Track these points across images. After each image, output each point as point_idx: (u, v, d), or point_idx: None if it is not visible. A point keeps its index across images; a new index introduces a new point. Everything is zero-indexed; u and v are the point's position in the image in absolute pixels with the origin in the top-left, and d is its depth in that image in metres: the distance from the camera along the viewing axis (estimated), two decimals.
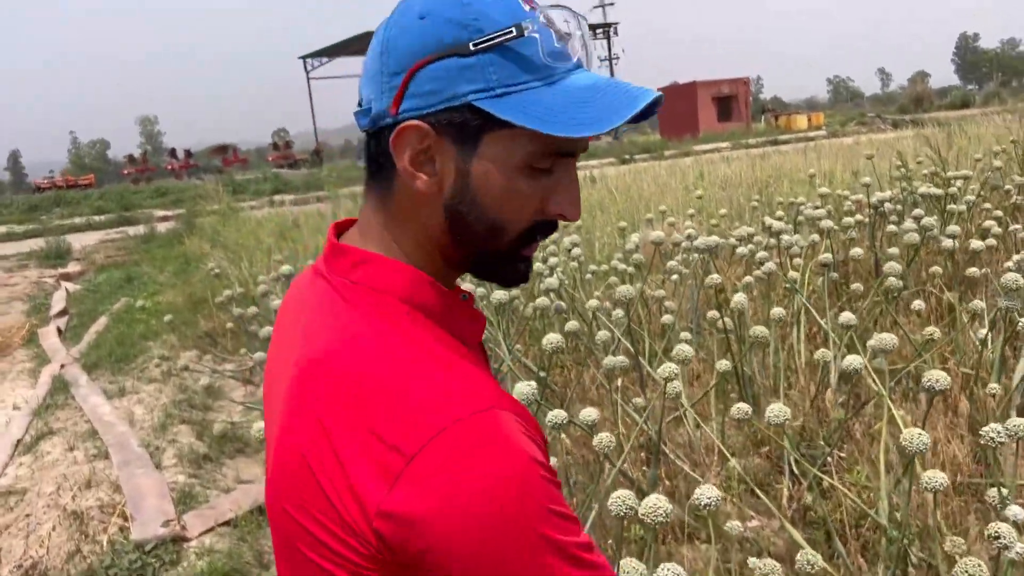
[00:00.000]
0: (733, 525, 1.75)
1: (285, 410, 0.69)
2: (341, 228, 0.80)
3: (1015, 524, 1.73)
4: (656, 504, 1.55)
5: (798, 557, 1.66)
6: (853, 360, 2.37)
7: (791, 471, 2.79)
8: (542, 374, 3.41)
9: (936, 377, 2.08)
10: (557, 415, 2.09)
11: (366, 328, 0.68)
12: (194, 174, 39.20)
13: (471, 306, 0.76)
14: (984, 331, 3.17)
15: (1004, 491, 1.98)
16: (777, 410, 2.13)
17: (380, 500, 0.60)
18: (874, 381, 3.15)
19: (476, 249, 0.73)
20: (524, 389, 2.24)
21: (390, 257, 0.73)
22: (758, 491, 2.63)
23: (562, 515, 0.62)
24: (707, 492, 1.77)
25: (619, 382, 3.04)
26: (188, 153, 50.33)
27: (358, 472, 0.61)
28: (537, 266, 4.26)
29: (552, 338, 2.55)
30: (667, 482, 2.85)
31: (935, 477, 1.82)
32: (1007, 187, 5.47)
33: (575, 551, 0.61)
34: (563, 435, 3.34)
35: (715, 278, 3.25)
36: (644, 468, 2.98)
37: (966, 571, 1.51)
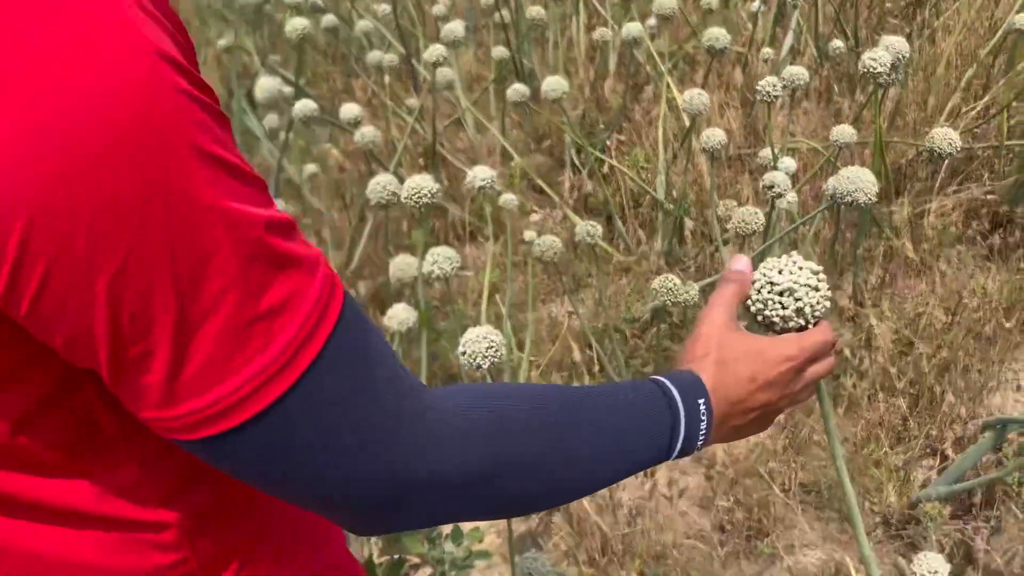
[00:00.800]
0: (508, 199, 1.60)
1: None
2: None
3: (787, 175, 1.70)
4: (419, 185, 1.34)
5: (577, 228, 1.55)
6: (632, 28, 2.19)
7: (572, 162, 2.70)
8: (300, 82, 3.00)
9: (716, 35, 1.95)
10: (304, 106, 1.77)
11: None
12: None
13: None
14: (756, 4, 3.10)
15: (776, 149, 1.96)
16: (554, 83, 1.93)
17: None
18: (653, 66, 3.05)
19: None
20: (269, 83, 1.89)
21: None
22: (540, 182, 2.53)
23: (223, 164, 0.33)
24: (480, 173, 1.59)
25: (387, 80, 2.72)
26: None
27: None
28: None
29: (297, 24, 2.14)
30: (447, 183, 2.68)
31: (714, 135, 1.73)
32: None
33: (259, 233, 0.34)
34: (334, 150, 3.05)
35: None
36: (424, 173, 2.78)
37: (742, 219, 1.46)
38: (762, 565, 1.50)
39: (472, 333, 1.12)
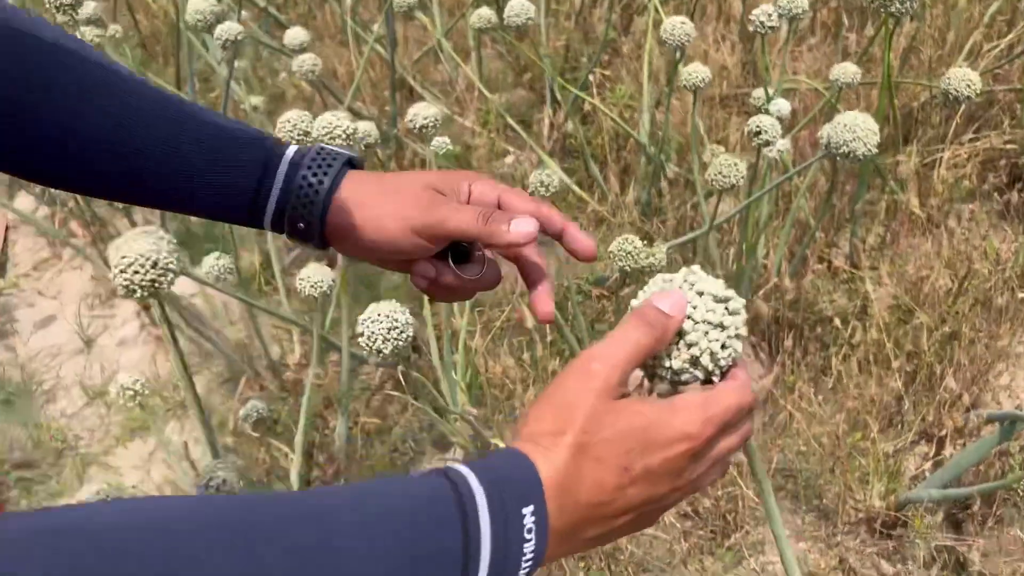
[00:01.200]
0: (439, 143, 1.38)
1: None
2: None
3: (779, 119, 1.48)
4: (331, 123, 1.13)
5: (531, 178, 1.34)
6: None
7: (553, 98, 2.46)
8: (272, 10, 2.75)
9: None
10: (227, 29, 1.54)
11: None
12: None
13: None
14: None
15: (770, 90, 1.73)
16: (518, 7, 1.69)
17: None
18: None
19: None
20: (199, 3, 1.67)
21: None
22: (511, 122, 2.30)
23: None
24: (422, 111, 1.37)
25: (349, 2, 2.47)
26: None
27: None
28: None
29: None
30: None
31: (696, 71, 1.50)
32: None
33: None
34: (297, 80, 2.80)
35: None
36: (387, 107, 2.54)
37: (719, 171, 1.25)
38: (728, 563, 1.33)
39: (373, 310, 0.92)
